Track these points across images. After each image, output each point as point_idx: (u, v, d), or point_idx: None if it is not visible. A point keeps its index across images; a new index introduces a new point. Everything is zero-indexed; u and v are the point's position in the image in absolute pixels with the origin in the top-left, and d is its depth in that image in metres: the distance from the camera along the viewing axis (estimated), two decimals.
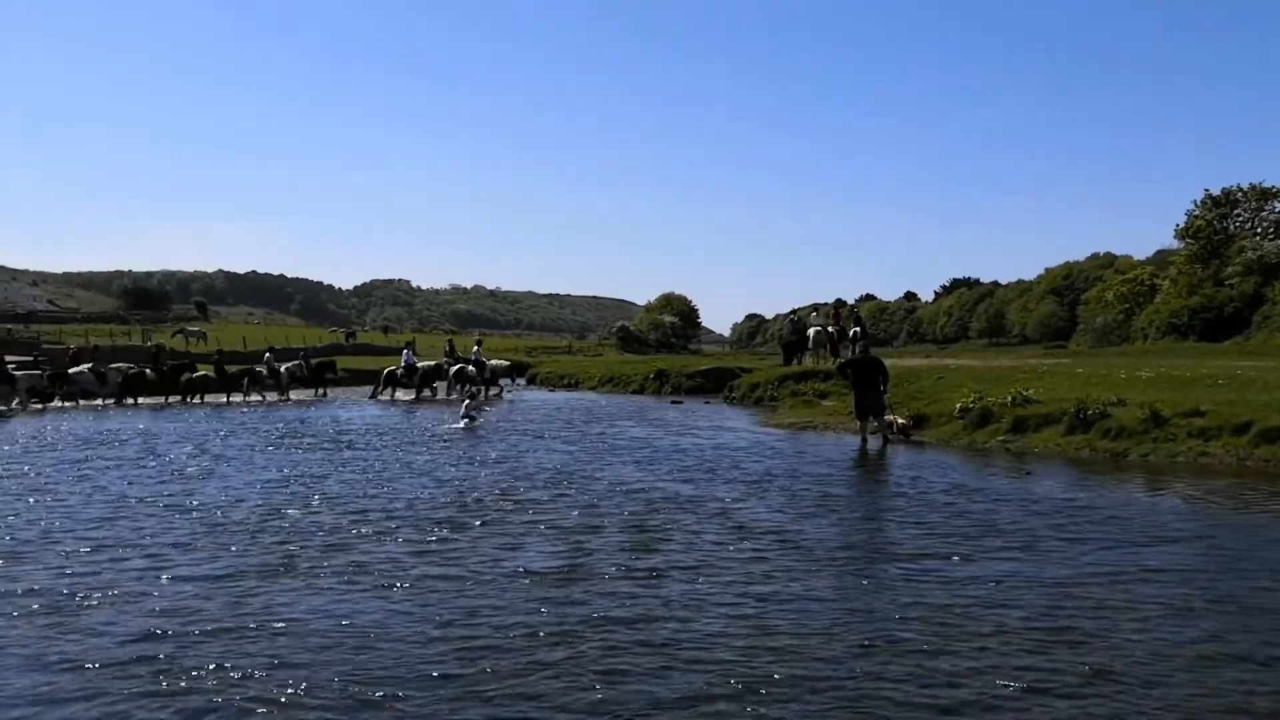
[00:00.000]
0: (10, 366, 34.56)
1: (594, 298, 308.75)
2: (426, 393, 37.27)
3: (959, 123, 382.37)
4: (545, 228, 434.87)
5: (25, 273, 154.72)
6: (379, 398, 36.56)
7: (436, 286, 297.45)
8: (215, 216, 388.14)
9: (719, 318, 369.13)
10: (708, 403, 31.41)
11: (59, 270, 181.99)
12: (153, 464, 16.66)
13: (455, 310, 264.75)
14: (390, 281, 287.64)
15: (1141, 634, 6.72)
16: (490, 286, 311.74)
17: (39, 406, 33.28)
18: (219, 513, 11.68)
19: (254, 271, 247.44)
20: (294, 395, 37.97)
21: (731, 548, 9.54)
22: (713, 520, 10.96)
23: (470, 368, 37.08)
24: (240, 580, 8.40)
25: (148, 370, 37.81)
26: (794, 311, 62.56)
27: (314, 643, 6.72)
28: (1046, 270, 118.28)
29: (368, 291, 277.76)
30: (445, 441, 20.19)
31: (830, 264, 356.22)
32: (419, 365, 38.72)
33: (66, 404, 34.26)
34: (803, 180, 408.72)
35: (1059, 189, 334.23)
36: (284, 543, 9.88)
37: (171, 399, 36.52)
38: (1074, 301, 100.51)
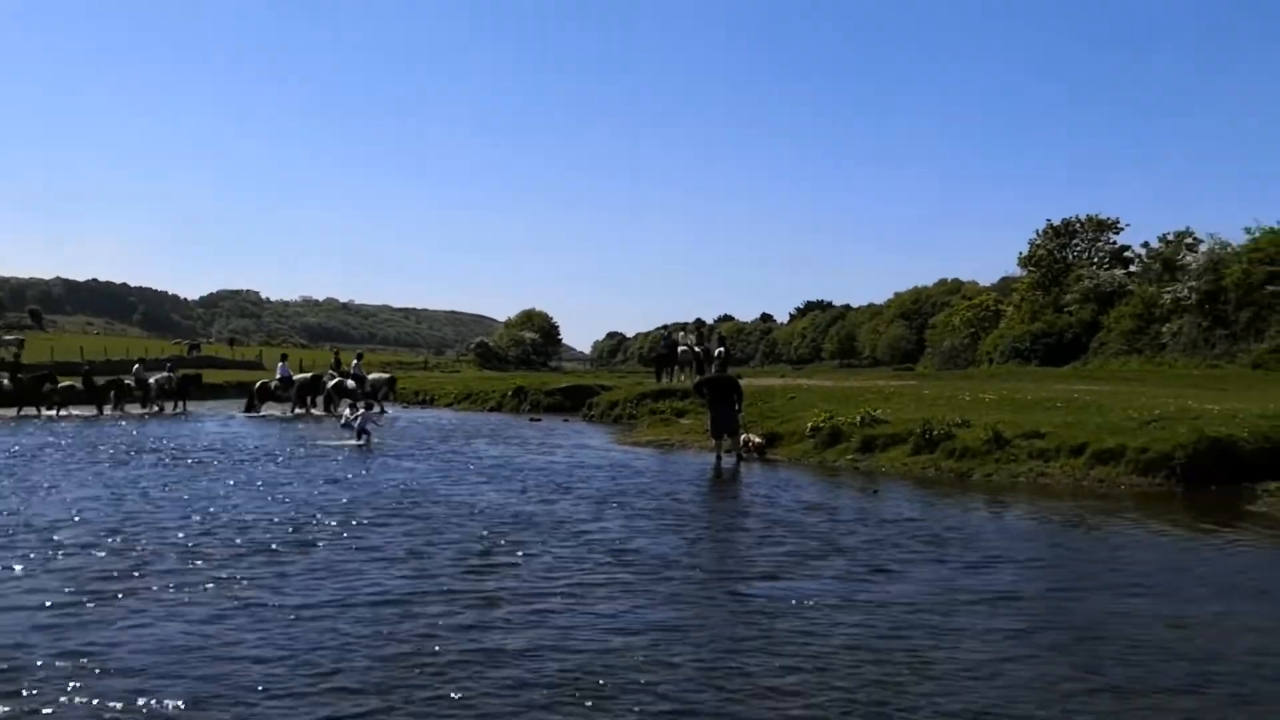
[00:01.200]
0: None
1: (452, 313, 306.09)
2: (300, 409, 36.06)
3: (815, 145, 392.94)
4: (402, 239, 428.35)
5: None
6: (254, 412, 35.38)
7: (287, 298, 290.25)
8: (54, 221, 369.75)
9: (580, 335, 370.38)
10: (566, 420, 31.30)
11: None
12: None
13: (306, 323, 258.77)
14: (238, 292, 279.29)
15: (981, 653, 6.87)
16: (343, 299, 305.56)
17: None
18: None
19: (95, 279, 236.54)
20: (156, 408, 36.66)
21: (578, 565, 9.44)
22: (560, 539, 10.85)
23: (350, 381, 36.09)
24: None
25: (4, 380, 35.75)
26: (665, 328, 63.10)
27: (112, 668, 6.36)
28: (896, 295, 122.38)
29: (214, 302, 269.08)
30: (308, 459, 19.56)
31: (690, 284, 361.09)
32: (295, 378, 37.46)
33: None
34: (664, 199, 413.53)
35: (909, 214, 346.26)
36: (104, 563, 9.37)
37: (26, 410, 34.70)
38: (922, 325, 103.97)
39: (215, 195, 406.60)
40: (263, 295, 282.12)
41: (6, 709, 5.79)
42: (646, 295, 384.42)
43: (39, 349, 65.45)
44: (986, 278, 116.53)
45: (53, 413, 34.63)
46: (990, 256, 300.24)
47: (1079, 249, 64.43)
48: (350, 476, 16.60)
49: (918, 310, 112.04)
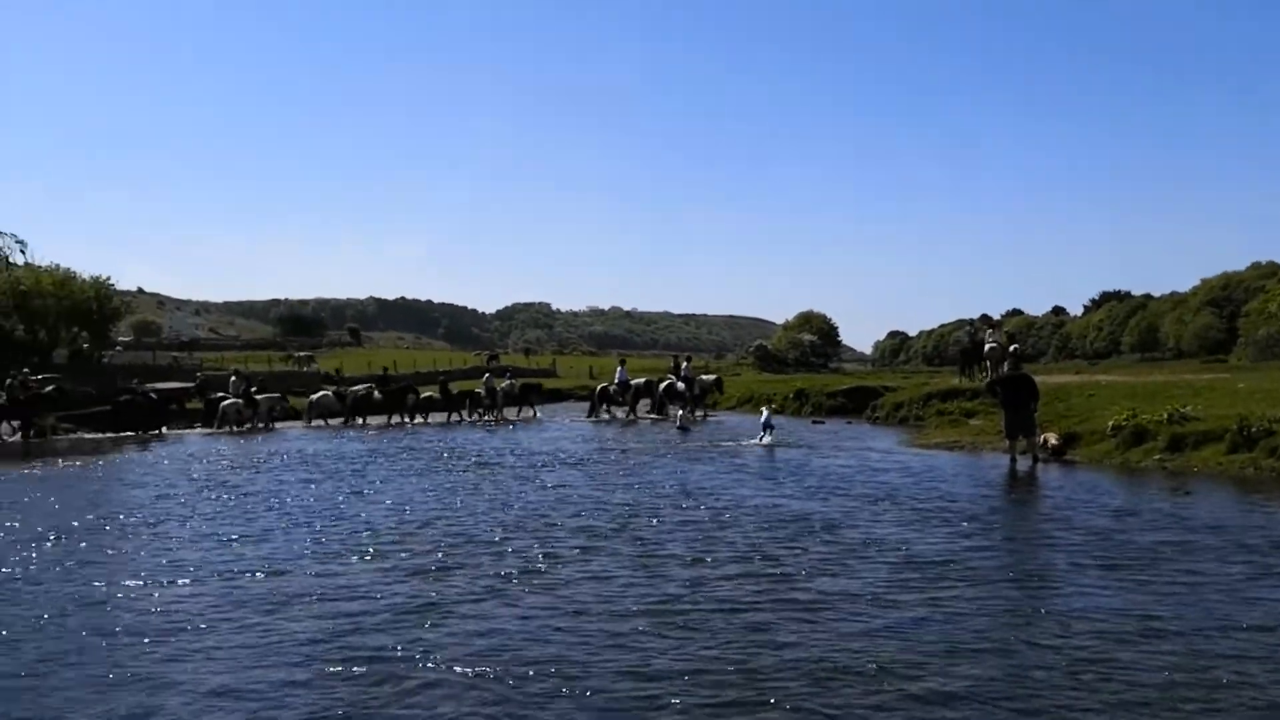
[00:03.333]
0: (252, 390, 37.13)
1: (730, 317, 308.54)
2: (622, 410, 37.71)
3: (1106, 129, 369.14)
4: (682, 247, 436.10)
5: (189, 303, 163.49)
6: (598, 416, 37.28)
7: (575, 309, 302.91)
8: (367, 245, 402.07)
9: (860, 335, 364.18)
10: (849, 423, 31.20)
11: (220, 300, 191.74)
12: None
13: (593, 331, 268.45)
14: (531, 305, 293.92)
15: None
16: (627, 308, 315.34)
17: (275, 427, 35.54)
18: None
19: (403, 297, 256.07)
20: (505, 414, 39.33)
21: (884, 573, 9.56)
22: (862, 546, 10.98)
23: (680, 384, 37.14)
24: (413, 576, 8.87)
25: (375, 391, 39.53)
26: (969, 323, 61.48)
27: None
28: (1203, 281, 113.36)
29: (510, 315, 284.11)
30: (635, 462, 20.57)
31: (974, 279, 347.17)
32: (632, 382, 38.91)
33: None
34: (946, 193, 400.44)
35: (1215, 195, 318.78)
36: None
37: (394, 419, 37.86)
38: (1233, 313, 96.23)
39: (505, 210, 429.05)
40: (553, 306, 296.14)
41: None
42: (928, 292, 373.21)
43: (357, 363, 71.38)
44: None
45: (416, 420, 37.58)
46: None
47: None
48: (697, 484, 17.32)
49: (1228, 297, 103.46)
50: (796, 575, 9.46)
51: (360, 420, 37.28)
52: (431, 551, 10.99)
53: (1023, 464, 18.20)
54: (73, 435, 32.89)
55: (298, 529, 12.80)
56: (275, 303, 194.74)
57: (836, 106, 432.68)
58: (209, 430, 34.74)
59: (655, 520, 12.82)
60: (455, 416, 38.39)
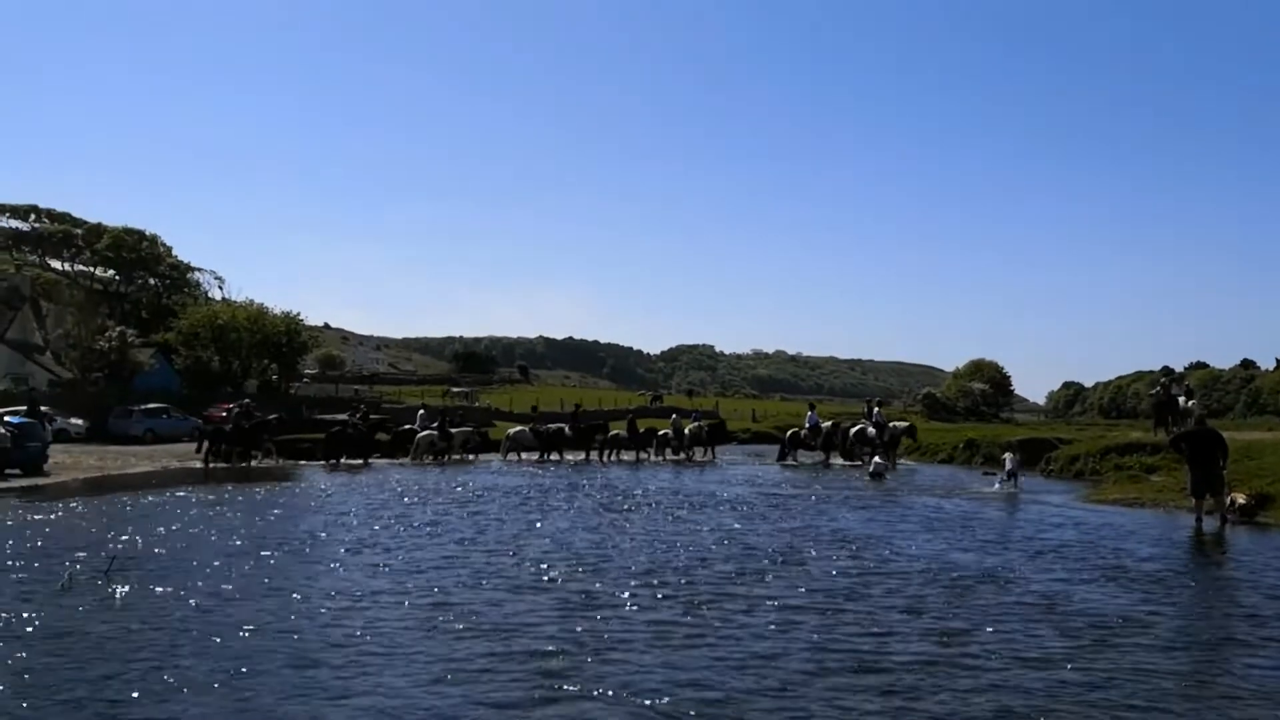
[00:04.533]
0: (448, 423, 39.07)
1: (898, 363, 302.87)
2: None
3: None
4: (850, 291, 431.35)
5: (370, 338, 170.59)
6: (789, 460, 37.18)
7: (739, 351, 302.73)
8: (539, 285, 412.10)
9: (1033, 385, 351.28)
10: (1023, 475, 30.22)
11: (399, 336, 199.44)
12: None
13: (757, 375, 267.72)
14: (695, 346, 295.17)
15: None
16: (791, 351, 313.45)
17: (471, 458, 37.35)
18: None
19: (570, 337, 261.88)
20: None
21: (1052, 628, 9.33)
22: (1034, 600, 10.72)
23: (870, 429, 36.32)
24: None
25: (566, 429, 40.68)
26: (1165, 373, 58.97)
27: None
28: None
29: (674, 356, 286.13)
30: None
31: (1154, 329, 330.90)
32: (823, 425, 38.69)
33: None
34: (1124, 240, 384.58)
35: None
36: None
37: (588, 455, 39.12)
38: None
39: (672, 252, 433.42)
40: (717, 349, 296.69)
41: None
42: (1105, 342, 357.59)
43: (525, 400, 73.20)
44: None
45: (606, 456, 38.67)
46: None
47: None
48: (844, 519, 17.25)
49: None
50: (965, 629, 9.32)
51: (554, 455, 38.41)
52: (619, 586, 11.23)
53: (1209, 524, 17.31)
54: (287, 462, 34.88)
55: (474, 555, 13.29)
56: (450, 340, 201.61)
57: (1015, 148, 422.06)
58: (405, 461, 36.31)
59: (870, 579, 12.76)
60: (642, 455, 38.87)
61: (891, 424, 37.05)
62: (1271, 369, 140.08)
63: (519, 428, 41.15)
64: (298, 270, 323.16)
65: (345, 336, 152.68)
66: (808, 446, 37.52)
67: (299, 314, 63.76)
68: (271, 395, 56.23)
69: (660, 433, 40.14)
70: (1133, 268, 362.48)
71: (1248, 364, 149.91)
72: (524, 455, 38.54)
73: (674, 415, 42.64)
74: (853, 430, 36.92)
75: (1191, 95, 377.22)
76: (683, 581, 11.71)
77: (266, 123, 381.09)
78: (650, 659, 8.26)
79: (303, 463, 34.94)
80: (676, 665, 8.06)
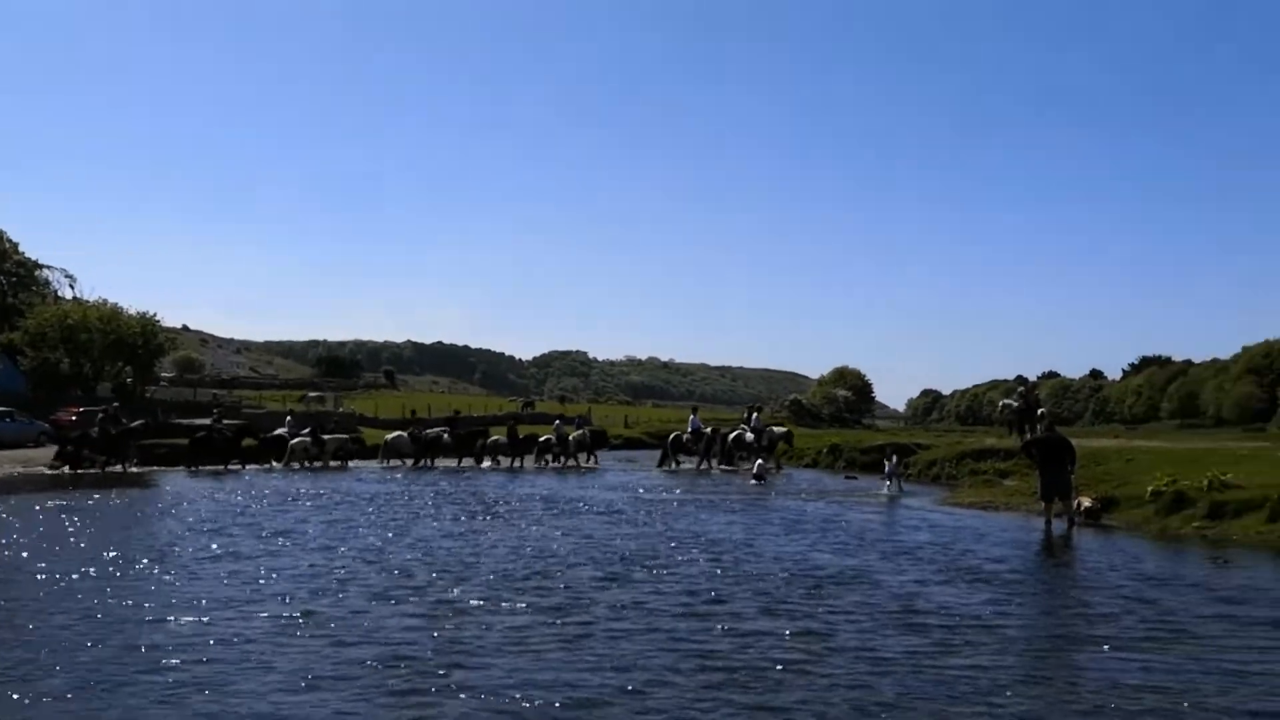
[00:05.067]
0: (304, 431, 38.10)
1: (766, 370, 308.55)
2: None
3: (1147, 192, 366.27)
4: (720, 300, 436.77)
5: (231, 341, 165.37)
6: (670, 465, 37.02)
7: (612, 358, 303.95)
8: (405, 291, 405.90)
9: (894, 393, 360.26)
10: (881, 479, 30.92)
11: (260, 339, 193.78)
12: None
13: (630, 381, 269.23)
14: (569, 353, 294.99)
15: None
16: (664, 358, 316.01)
17: (336, 465, 36.63)
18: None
19: (440, 342, 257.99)
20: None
21: (905, 628, 9.49)
22: (888, 601, 10.90)
23: (749, 435, 36.63)
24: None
25: (445, 434, 39.97)
26: (1022, 381, 61.17)
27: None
28: (1244, 349, 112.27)
29: (547, 362, 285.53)
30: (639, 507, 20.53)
31: (1009, 340, 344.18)
32: (704, 430, 38.63)
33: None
34: (982, 253, 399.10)
35: (1259, 260, 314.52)
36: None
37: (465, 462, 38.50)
38: (1275, 382, 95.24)
39: (545, 259, 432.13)
40: (590, 355, 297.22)
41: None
42: (963, 352, 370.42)
43: (392, 406, 71.88)
44: None
45: (486, 464, 38.10)
46: None
47: None
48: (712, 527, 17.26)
49: (1270, 365, 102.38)
50: (821, 630, 9.40)
51: (430, 462, 37.93)
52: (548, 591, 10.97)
53: (1058, 527, 17.93)
54: (146, 468, 33.70)
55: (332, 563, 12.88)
56: (314, 344, 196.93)
57: (876, 158, 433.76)
58: (274, 466, 35.61)
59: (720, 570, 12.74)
60: (517, 462, 38.41)
61: (769, 429, 37.66)
62: (1119, 379, 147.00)
63: (397, 433, 40.48)
64: (155, 271, 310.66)
65: (204, 339, 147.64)
66: (689, 451, 37.70)
67: (155, 315, 61.31)
68: (127, 399, 53.90)
69: (542, 439, 39.85)
70: (988, 281, 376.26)
71: (1096, 374, 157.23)
72: (404, 461, 38.06)
73: (557, 421, 42.40)
74: (731, 435, 37.30)
75: (1039, 106, 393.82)
76: (546, 586, 11.61)
77: (120, 117, 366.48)
78: (509, 663, 8.16)
79: (159, 469, 33.72)
80: (535, 669, 7.96)
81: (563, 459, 38.81)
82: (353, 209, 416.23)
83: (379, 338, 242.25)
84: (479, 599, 10.76)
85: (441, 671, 7.87)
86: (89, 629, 9.23)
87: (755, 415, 38.77)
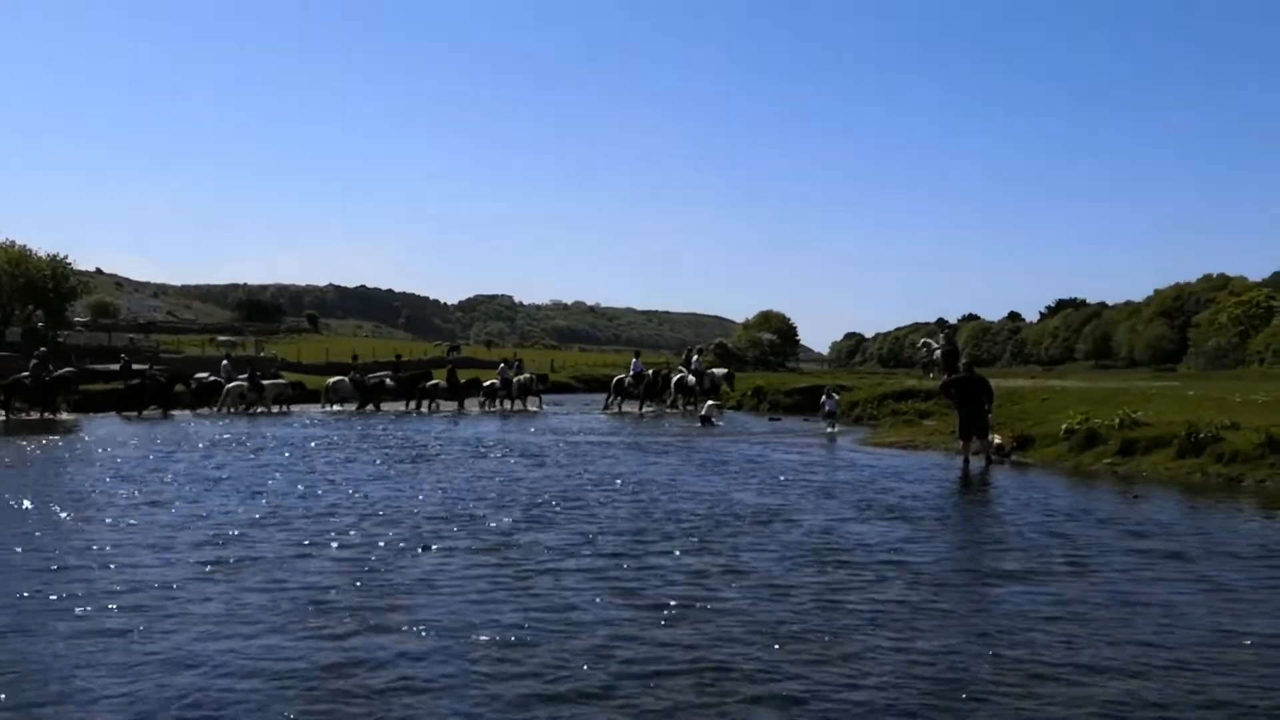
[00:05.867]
0: (258, 375, 37.79)
1: (693, 314, 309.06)
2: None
3: (1064, 139, 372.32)
4: (647, 244, 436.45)
5: (148, 285, 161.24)
6: (610, 407, 37.56)
7: (538, 302, 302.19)
8: (328, 234, 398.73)
9: (818, 336, 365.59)
10: (806, 420, 31.37)
11: (178, 283, 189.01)
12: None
13: (556, 326, 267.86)
14: (494, 297, 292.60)
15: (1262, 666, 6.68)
16: (590, 303, 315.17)
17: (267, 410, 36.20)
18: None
19: (363, 286, 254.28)
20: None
21: (819, 564, 9.68)
22: (805, 537, 11.10)
23: (690, 378, 37.03)
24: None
25: (388, 379, 39.61)
26: (946, 325, 62.30)
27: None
28: (1156, 292, 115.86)
29: (472, 306, 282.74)
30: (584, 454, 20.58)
31: (931, 283, 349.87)
32: (646, 374, 39.02)
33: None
34: (903, 198, 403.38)
35: (1169, 207, 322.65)
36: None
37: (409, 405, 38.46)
38: (1184, 324, 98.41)
39: (469, 202, 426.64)
40: (516, 299, 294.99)
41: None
42: (885, 295, 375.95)
43: (315, 350, 70.88)
44: (1257, 272, 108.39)
45: (426, 406, 38.27)
46: (1261, 249, 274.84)
47: None
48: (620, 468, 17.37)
49: (1180, 308, 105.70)
50: (741, 567, 9.56)
51: (375, 406, 37.68)
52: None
53: (975, 465, 18.37)
54: (82, 416, 33.02)
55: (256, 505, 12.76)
56: (234, 287, 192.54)
57: (797, 98, 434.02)
58: (208, 412, 35.26)
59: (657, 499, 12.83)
60: (460, 406, 38.43)
61: (710, 371, 38.08)
62: (1035, 322, 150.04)
63: (339, 378, 40.10)
64: (66, 212, 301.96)
65: (120, 283, 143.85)
66: (630, 394, 37.80)
67: (66, 257, 59.39)
68: (37, 343, 52.37)
69: (487, 383, 39.68)
70: (910, 225, 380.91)
71: (1014, 316, 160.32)
72: (345, 406, 37.90)
73: (501, 365, 42.48)
74: (674, 379, 37.43)
75: (958, 39, 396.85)
76: (471, 529, 11.62)
77: (30, 56, 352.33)
78: (431, 602, 8.17)
79: (89, 415, 33.03)
80: (457, 610, 7.95)
81: (508, 403, 38.76)
82: (273, 150, 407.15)
83: (301, 281, 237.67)
84: (409, 542, 10.74)
85: (373, 611, 7.86)
86: (2, 579, 9.05)
87: (696, 358, 39.11)
